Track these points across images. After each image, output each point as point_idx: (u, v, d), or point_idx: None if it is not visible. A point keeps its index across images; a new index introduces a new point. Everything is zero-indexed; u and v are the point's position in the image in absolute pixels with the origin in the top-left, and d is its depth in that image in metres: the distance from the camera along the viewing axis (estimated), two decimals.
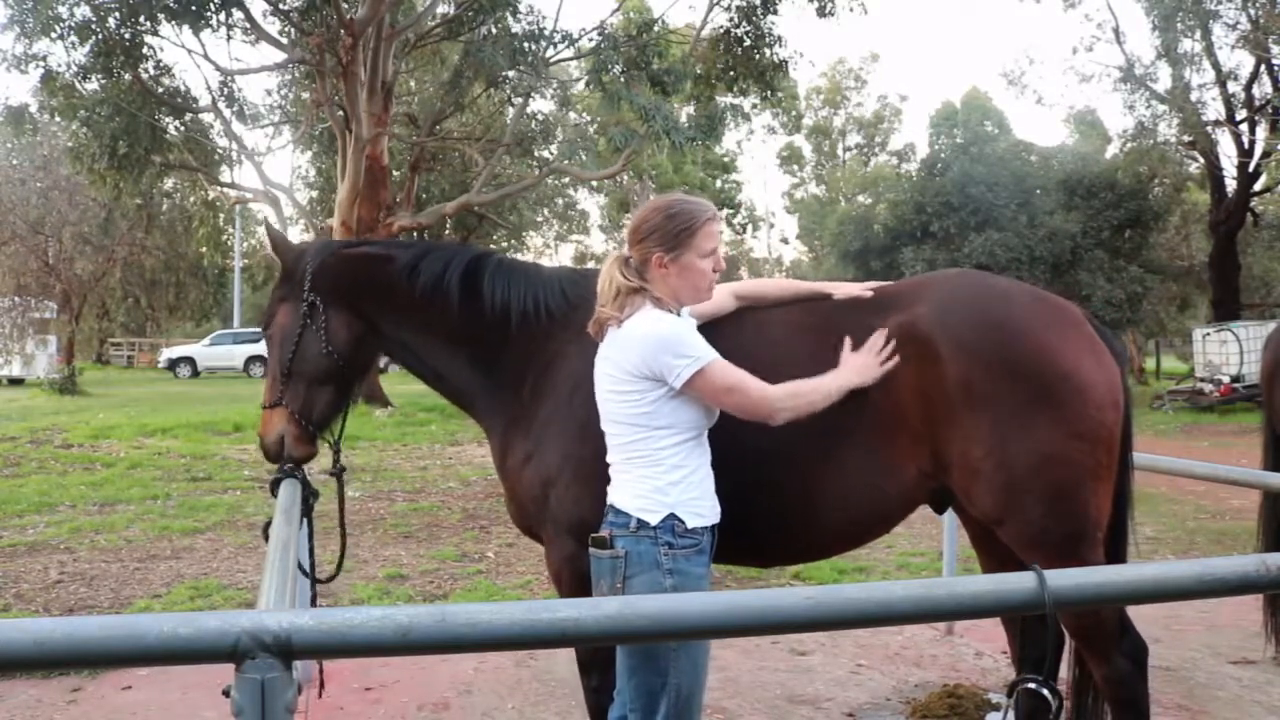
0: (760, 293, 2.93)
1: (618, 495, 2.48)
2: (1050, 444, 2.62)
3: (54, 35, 16.45)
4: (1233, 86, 23.54)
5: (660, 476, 2.42)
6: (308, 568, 3.28)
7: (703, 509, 2.45)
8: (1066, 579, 1.64)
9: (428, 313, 2.97)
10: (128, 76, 17.65)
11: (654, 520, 2.40)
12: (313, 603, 3.30)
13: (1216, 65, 23.15)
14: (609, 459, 2.55)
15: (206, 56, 20.23)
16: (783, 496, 2.71)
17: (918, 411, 2.67)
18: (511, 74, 18.91)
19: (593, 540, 2.48)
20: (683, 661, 2.40)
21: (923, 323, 2.70)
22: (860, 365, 2.62)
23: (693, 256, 2.46)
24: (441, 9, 20.16)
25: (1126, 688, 2.81)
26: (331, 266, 3.01)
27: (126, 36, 16.83)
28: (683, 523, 2.41)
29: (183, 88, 19.83)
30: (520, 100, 21.07)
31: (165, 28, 17.34)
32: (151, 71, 18.41)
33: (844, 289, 2.89)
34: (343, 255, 3.06)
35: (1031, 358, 2.66)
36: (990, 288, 2.85)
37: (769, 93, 21.04)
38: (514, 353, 2.93)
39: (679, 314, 2.53)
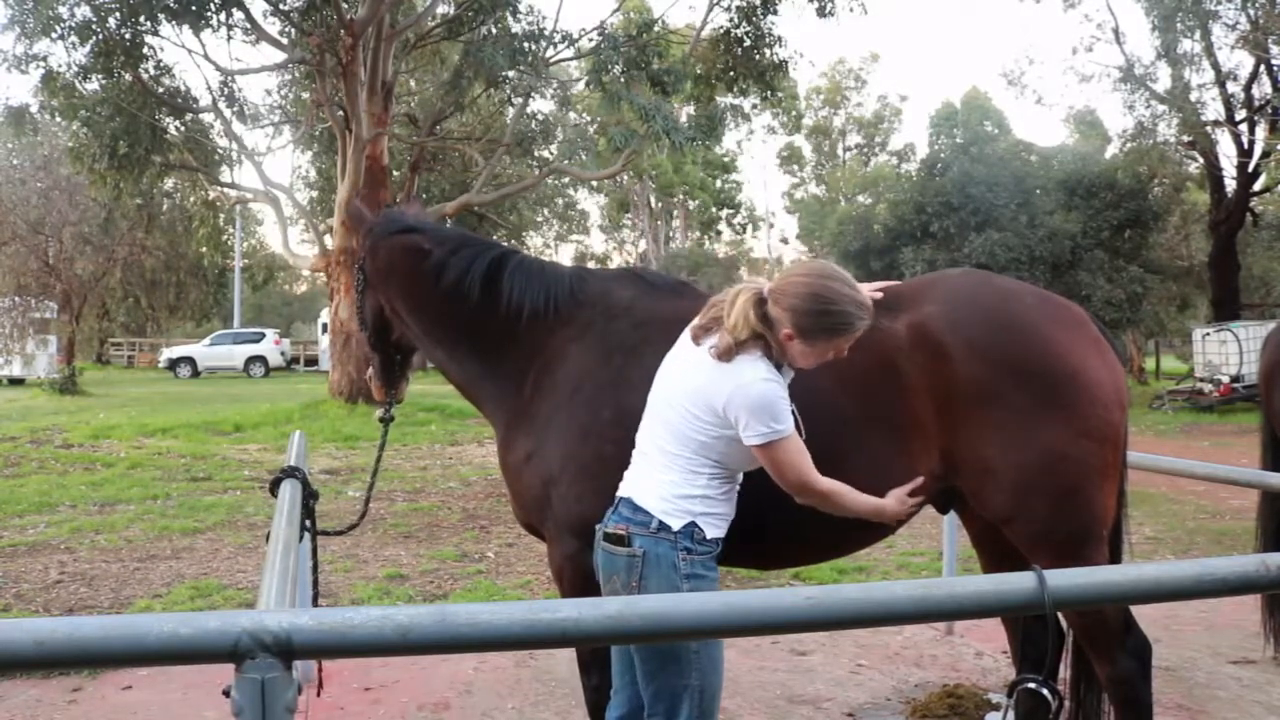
0: None
1: (639, 491, 2.45)
2: (1059, 443, 2.63)
3: (54, 35, 16.40)
4: (1232, 86, 23.53)
5: (690, 489, 2.41)
6: (310, 570, 3.30)
7: (720, 522, 2.47)
8: (1066, 579, 1.65)
9: (445, 307, 3.05)
10: (128, 76, 17.62)
11: (676, 525, 2.39)
12: (313, 603, 3.31)
13: (1216, 65, 23.14)
14: (638, 441, 2.53)
15: (206, 56, 20.21)
16: (793, 501, 2.70)
17: (930, 412, 2.67)
18: (511, 74, 18.88)
19: (607, 535, 2.46)
20: (704, 661, 2.41)
21: (933, 323, 2.71)
22: (900, 499, 2.53)
23: (820, 348, 2.39)
24: (441, 9, 20.14)
25: (1130, 687, 2.81)
26: (379, 251, 3.16)
27: (127, 36, 16.79)
28: (702, 531, 2.41)
29: (183, 88, 19.78)
30: (520, 100, 21.06)
31: (165, 28, 17.29)
32: (152, 71, 18.36)
33: None
34: (390, 243, 3.15)
35: (1040, 357, 2.67)
36: (997, 288, 2.87)
37: (769, 93, 21.02)
38: (519, 349, 2.96)
39: (783, 370, 2.47)
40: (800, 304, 2.34)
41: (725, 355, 2.36)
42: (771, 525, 2.68)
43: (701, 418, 2.38)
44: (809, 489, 2.41)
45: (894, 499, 2.53)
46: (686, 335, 2.52)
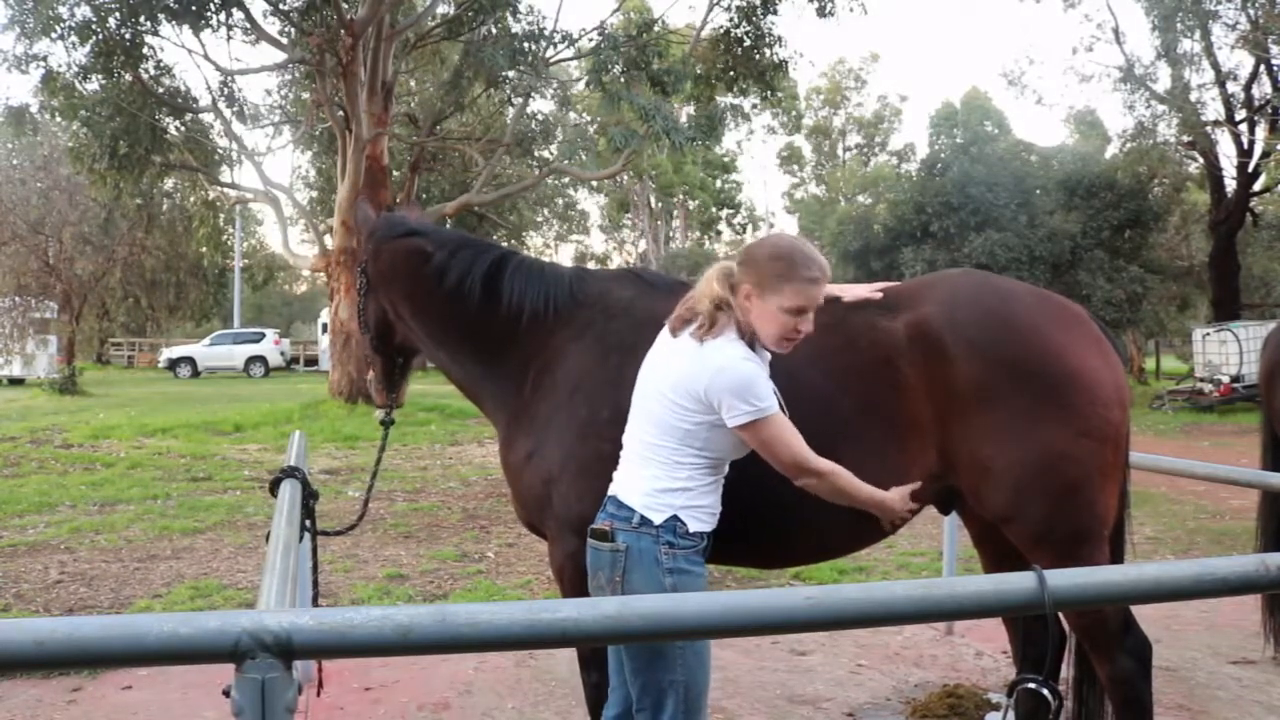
0: None
1: (623, 488, 2.48)
2: (1058, 442, 2.63)
3: (54, 35, 16.40)
4: (1232, 86, 23.54)
5: (672, 481, 2.43)
6: (310, 570, 3.30)
7: (705, 516, 2.47)
8: (1066, 579, 1.64)
9: (446, 309, 3.07)
10: (128, 76, 17.62)
11: (658, 519, 2.41)
12: (313, 603, 3.31)
13: (1216, 65, 23.15)
14: (624, 440, 2.55)
15: (206, 56, 20.18)
16: (790, 501, 2.70)
17: (928, 412, 2.67)
18: (511, 74, 18.88)
19: (592, 532, 2.49)
20: (689, 658, 2.42)
21: (932, 323, 2.71)
22: (899, 498, 2.53)
23: (774, 304, 2.39)
24: (441, 9, 20.14)
25: (1130, 687, 2.81)
26: (381, 254, 3.18)
27: (127, 36, 16.79)
28: (685, 525, 2.42)
29: (183, 88, 19.78)
30: (520, 100, 21.05)
31: (165, 28, 17.30)
32: (151, 71, 18.36)
33: (853, 291, 2.89)
34: (392, 246, 3.17)
35: (1039, 356, 2.67)
36: (996, 287, 2.87)
37: (769, 93, 21.02)
38: (519, 349, 2.98)
39: (758, 349, 2.48)
40: (759, 252, 2.46)
41: (699, 331, 2.41)
42: (761, 522, 2.69)
43: (684, 405, 2.40)
44: (804, 467, 2.40)
45: (898, 494, 2.52)
46: (665, 329, 2.55)
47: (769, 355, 2.52)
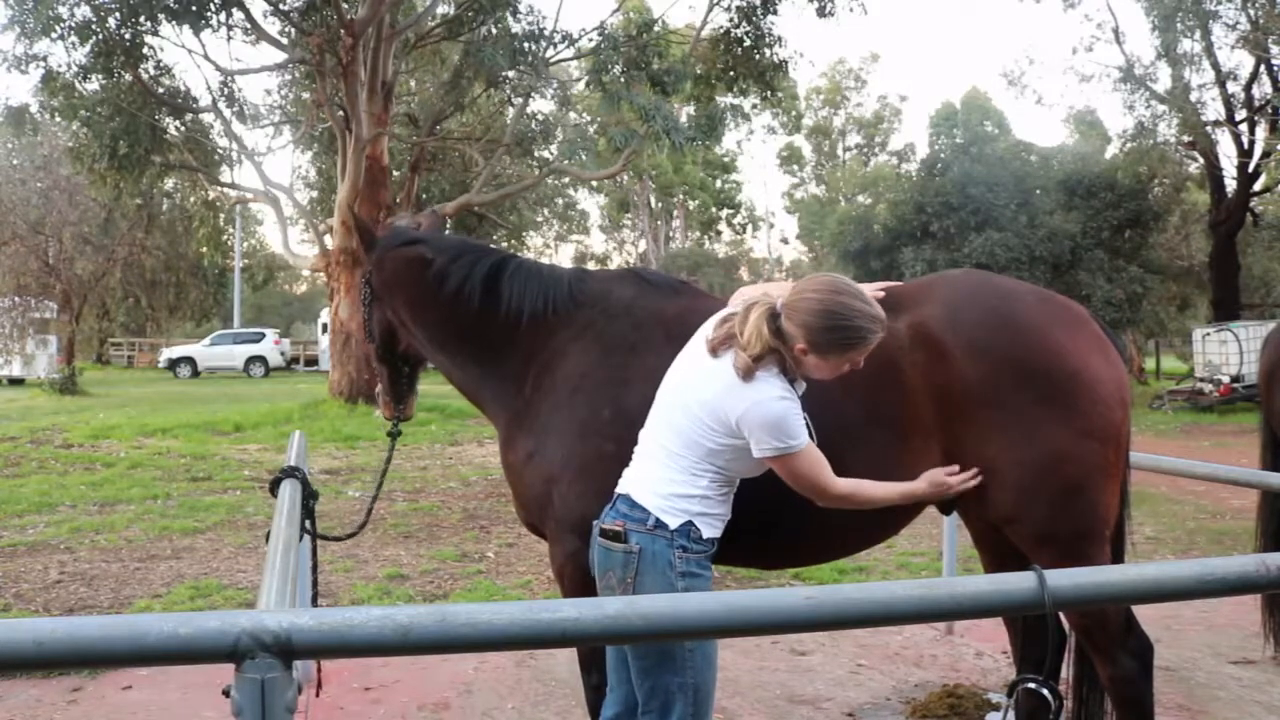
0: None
1: (637, 488, 2.47)
2: (1061, 442, 2.63)
3: (54, 35, 16.41)
4: (1232, 86, 23.55)
5: (689, 488, 2.43)
6: (310, 570, 3.30)
7: (717, 523, 2.48)
8: (1066, 579, 1.64)
9: (447, 313, 3.08)
10: (128, 76, 17.63)
11: (673, 524, 2.41)
12: (313, 603, 3.31)
13: (1216, 65, 23.16)
14: (640, 439, 2.54)
15: (207, 56, 20.21)
16: (794, 500, 2.70)
17: (930, 413, 2.67)
18: (511, 74, 18.90)
19: (603, 531, 2.48)
20: (698, 660, 2.42)
21: (934, 323, 2.71)
22: (934, 480, 2.60)
23: (833, 362, 2.40)
24: (441, 9, 20.15)
25: (1132, 687, 2.81)
26: (385, 263, 3.20)
27: (126, 36, 16.80)
28: (699, 530, 2.43)
29: (183, 88, 19.80)
30: (520, 100, 21.05)
31: (165, 28, 17.30)
32: (151, 71, 18.37)
33: None
34: (395, 255, 3.19)
35: (1041, 356, 2.67)
36: (998, 287, 2.87)
37: (769, 93, 21.04)
38: (519, 350, 2.99)
39: (796, 383, 2.47)
40: (813, 320, 2.35)
41: (745, 375, 2.37)
42: (775, 524, 2.69)
43: (712, 427, 2.40)
44: (827, 494, 2.44)
45: (926, 481, 2.58)
46: (702, 345, 2.51)
47: (804, 385, 2.52)
